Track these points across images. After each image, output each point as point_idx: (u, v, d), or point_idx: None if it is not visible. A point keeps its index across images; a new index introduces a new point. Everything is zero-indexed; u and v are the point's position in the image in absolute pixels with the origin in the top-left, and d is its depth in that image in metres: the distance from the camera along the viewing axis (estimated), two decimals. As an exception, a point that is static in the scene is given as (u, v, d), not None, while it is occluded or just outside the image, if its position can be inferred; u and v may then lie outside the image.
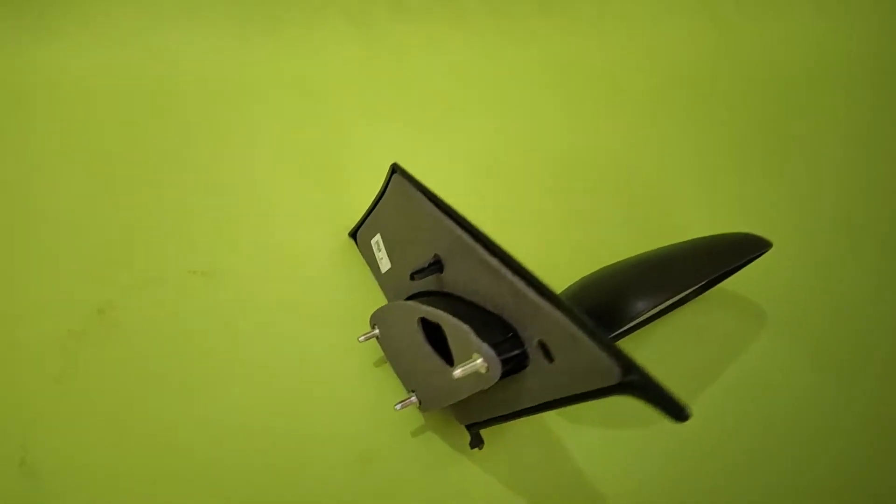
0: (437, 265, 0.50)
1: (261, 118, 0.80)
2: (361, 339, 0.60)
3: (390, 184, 0.56)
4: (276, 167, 0.77)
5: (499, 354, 0.43)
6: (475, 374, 0.44)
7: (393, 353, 0.59)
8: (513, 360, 0.44)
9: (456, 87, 0.92)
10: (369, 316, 0.60)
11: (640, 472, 0.64)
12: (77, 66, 0.78)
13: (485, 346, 0.43)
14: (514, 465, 0.61)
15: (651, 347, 0.71)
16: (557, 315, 0.40)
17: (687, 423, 0.36)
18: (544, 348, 0.42)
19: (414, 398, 0.57)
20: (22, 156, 0.70)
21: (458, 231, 0.47)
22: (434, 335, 0.51)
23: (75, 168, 0.71)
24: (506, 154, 0.87)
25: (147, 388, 0.59)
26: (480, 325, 0.44)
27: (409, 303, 0.52)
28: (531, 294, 0.41)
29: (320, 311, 0.67)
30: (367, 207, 0.64)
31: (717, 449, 0.67)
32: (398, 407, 0.56)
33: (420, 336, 0.51)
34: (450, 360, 0.49)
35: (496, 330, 0.45)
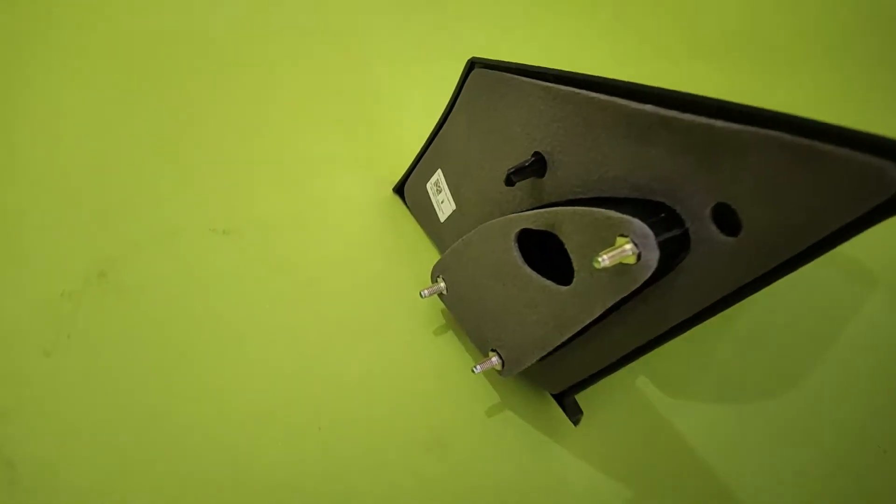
0: (539, 163, 0.40)
1: (286, 67, 0.71)
2: (425, 293, 0.49)
3: (464, 89, 0.46)
4: (304, 121, 0.67)
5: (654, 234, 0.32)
6: (613, 278, 0.34)
7: (465, 307, 0.48)
8: (671, 243, 0.33)
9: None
10: (428, 272, 0.50)
11: (755, 454, 0.53)
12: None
13: (635, 222, 0.31)
14: (611, 447, 0.50)
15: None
16: (773, 135, 0.28)
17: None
18: (725, 214, 0.31)
19: (495, 359, 0.46)
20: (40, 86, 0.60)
21: (585, 94, 0.36)
22: (535, 255, 0.40)
23: (86, 107, 0.61)
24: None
25: (157, 362, 0.47)
26: (615, 207, 0.34)
27: (501, 219, 0.41)
28: (720, 126, 0.30)
29: (366, 270, 0.56)
30: (410, 161, 0.55)
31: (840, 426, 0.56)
32: (477, 369, 0.45)
33: (515, 258, 0.41)
34: (563, 279, 0.38)
35: (641, 211, 0.33)
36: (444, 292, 0.49)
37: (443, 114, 0.51)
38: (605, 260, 0.31)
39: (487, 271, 0.44)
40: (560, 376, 0.45)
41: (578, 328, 0.38)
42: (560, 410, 0.48)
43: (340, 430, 0.47)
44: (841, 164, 0.26)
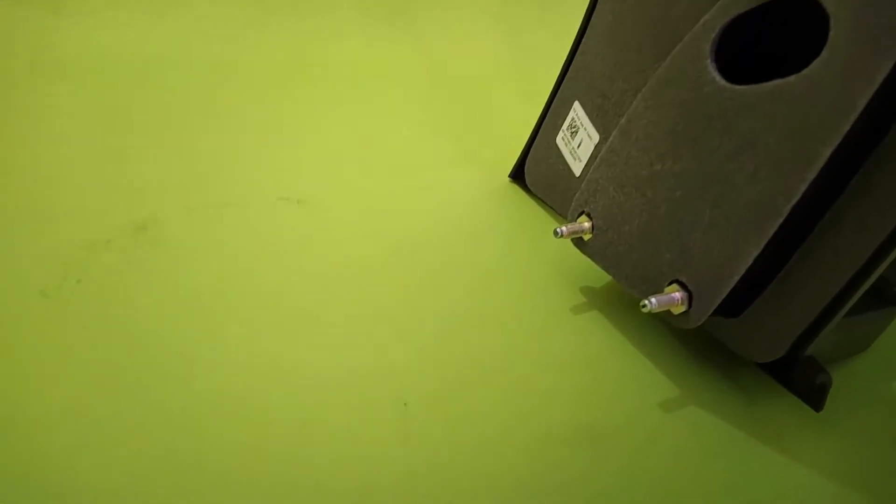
0: None
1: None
2: (562, 230, 0.35)
3: None
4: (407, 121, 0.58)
5: None
6: None
7: (621, 241, 0.33)
8: None
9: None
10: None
11: None
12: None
13: None
14: (860, 464, 0.30)
15: None
16: None
17: None
18: None
19: (677, 294, 0.29)
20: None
21: None
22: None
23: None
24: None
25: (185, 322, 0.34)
26: None
27: (683, 42, 0.29)
28: None
29: (483, 250, 0.42)
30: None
31: None
32: (652, 302, 0.29)
33: (712, 79, 0.27)
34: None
35: None
36: (588, 234, 0.35)
37: (573, 43, 0.41)
38: None
39: (661, 145, 0.30)
40: (780, 318, 0.28)
41: (849, 120, 0.23)
42: (786, 400, 0.30)
43: (432, 409, 0.30)
44: None
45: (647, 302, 0.29)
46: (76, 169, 0.45)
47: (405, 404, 0.30)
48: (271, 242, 0.41)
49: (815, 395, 0.29)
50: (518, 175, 0.48)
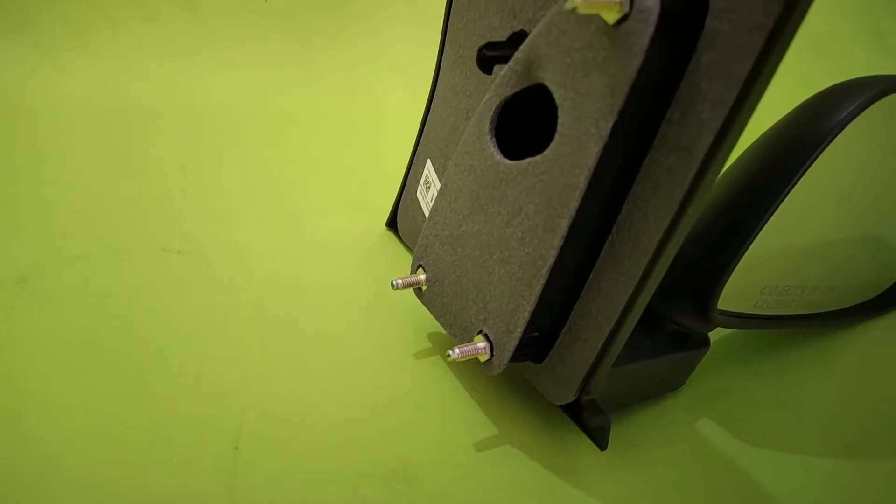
0: (519, 36, 0.31)
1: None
2: (398, 283, 0.38)
3: (451, 15, 0.39)
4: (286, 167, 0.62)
5: None
6: (606, 70, 0.24)
7: (446, 293, 0.36)
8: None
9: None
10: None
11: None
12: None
13: None
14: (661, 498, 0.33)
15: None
16: None
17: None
18: None
19: (481, 344, 0.33)
20: None
21: None
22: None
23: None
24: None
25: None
26: None
27: (471, 121, 0.32)
28: None
29: (347, 293, 0.45)
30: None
31: None
32: (455, 352, 0.32)
33: (491, 154, 0.31)
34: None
35: None
36: (424, 286, 0.38)
37: (426, 104, 0.44)
38: None
39: (465, 208, 0.33)
40: (567, 364, 0.32)
41: (574, 199, 0.26)
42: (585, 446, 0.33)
43: (263, 450, 0.33)
44: None
45: (450, 352, 0.32)
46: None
47: (236, 448, 0.33)
48: (147, 293, 0.43)
49: (597, 436, 0.32)
50: (392, 223, 0.52)
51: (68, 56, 0.72)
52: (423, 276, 0.38)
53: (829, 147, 0.30)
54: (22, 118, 0.64)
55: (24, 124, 0.64)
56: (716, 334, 0.38)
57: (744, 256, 0.32)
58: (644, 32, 0.22)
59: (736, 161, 0.34)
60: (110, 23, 0.74)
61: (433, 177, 0.44)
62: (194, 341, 0.39)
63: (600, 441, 0.32)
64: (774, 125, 0.33)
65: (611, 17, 0.22)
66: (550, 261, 0.28)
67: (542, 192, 0.28)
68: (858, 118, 0.30)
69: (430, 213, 0.37)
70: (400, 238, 0.51)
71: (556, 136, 0.27)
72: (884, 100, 0.31)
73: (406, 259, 0.49)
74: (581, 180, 0.26)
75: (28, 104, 0.67)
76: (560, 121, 0.27)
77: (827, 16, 0.95)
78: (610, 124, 0.24)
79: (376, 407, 0.37)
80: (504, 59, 0.31)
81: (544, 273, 0.29)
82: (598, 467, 0.34)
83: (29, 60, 0.70)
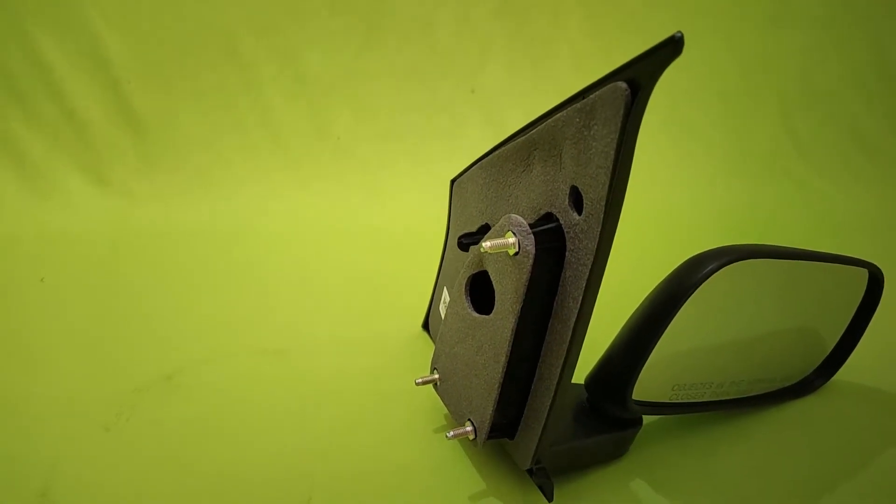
0: (485, 229, 0.47)
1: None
2: (419, 381, 0.54)
3: (451, 205, 0.57)
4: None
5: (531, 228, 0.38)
6: (511, 278, 0.39)
7: (451, 389, 0.52)
8: (546, 234, 0.38)
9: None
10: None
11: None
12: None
13: (513, 216, 0.38)
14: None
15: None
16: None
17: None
18: (577, 196, 0.37)
19: (469, 427, 0.48)
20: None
21: (496, 152, 0.45)
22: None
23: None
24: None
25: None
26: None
27: (457, 281, 0.49)
28: (557, 116, 0.39)
29: (390, 391, 0.62)
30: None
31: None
32: (450, 434, 0.48)
33: (466, 307, 0.47)
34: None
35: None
36: (438, 383, 0.54)
37: (445, 237, 0.61)
38: (487, 245, 0.38)
39: (457, 336, 0.50)
40: (525, 441, 0.47)
41: (506, 347, 0.42)
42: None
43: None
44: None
45: (447, 433, 0.48)
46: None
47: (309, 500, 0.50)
48: (253, 386, 0.62)
49: (544, 490, 0.47)
50: (426, 326, 0.69)
51: (188, 191, 0.95)
52: (436, 376, 0.55)
53: (694, 295, 0.45)
54: (162, 242, 0.87)
55: (158, 247, 0.86)
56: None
57: (646, 363, 0.47)
58: (528, 262, 0.38)
59: (644, 298, 0.49)
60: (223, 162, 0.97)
61: (448, 299, 0.60)
62: (281, 421, 0.57)
63: (547, 495, 0.47)
64: (666, 277, 0.48)
65: (511, 252, 0.39)
66: (500, 379, 0.44)
67: (491, 338, 0.44)
68: (713, 277, 0.45)
69: (440, 332, 0.54)
70: (431, 337, 0.68)
71: (495, 306, 0.43)
72: (736, 264, 0.45)
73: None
74: (508, 335, 0.42)
75: (162, 231, 0.89)
76: (496, 297, 0.43)
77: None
78: (518, 308, 0.41)
79: (399, 474, 0.53)
80: (475, 242, 0.48)
81: (496, 387, 0.45)
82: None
83: (162, 196, 0.94)
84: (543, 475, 0.47)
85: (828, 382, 0.60)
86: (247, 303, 0.76)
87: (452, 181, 0.57)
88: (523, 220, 0.38)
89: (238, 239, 0.88)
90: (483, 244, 0.38)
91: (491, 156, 0.47)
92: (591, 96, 0.35)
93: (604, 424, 0.51)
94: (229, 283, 0.79)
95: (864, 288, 0.55)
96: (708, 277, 0.45)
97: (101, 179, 0.96)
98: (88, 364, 0.65)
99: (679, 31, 0.28)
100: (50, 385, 0.62)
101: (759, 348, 0.54)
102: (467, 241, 0.48)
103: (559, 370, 0.42)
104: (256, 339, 0.68)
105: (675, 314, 0.45)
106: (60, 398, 0.60)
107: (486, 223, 0.49)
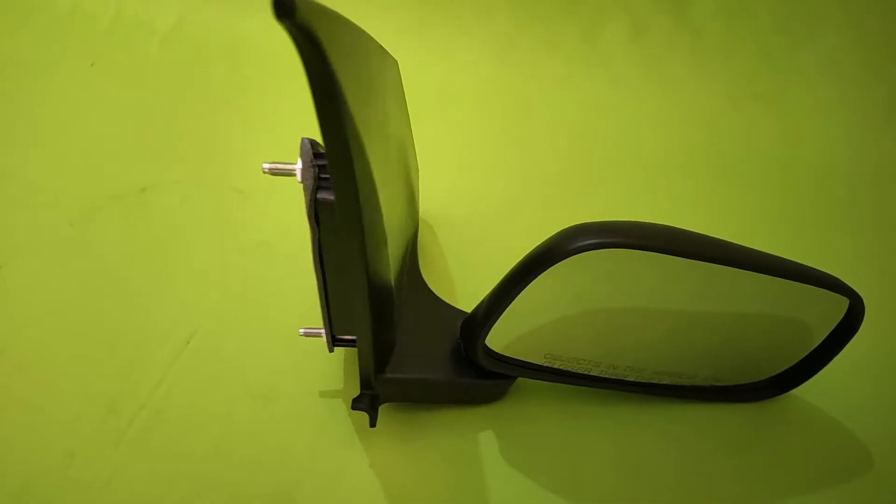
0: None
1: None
2: (301, 332, 0.49)
3: None
4: None
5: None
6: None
7: None
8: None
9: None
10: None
11: None
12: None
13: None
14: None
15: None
16: None
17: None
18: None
19: (322, 330, 0.47)
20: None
21: None
22: None
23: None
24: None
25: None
26: None
27: None
28: None
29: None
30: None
31: None
32: (301, 332, 0.47)
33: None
34: None
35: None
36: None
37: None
38: (266, 167, 0.38)
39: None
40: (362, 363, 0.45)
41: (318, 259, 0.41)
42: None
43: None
44: None
45: (300, 331, 0.47)
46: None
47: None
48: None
49: (371, 416, 0.46)
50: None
51: None
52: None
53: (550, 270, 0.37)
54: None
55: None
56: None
57: (518, 324, 0.42)
58: (309, 187, 0.37)
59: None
60: None
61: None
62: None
63: (371, 420, 0.46)
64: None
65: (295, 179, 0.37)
66: (320, 286, 0.42)
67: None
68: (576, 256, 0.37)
69: None
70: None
71: None
72: (601, 251, 0.37)
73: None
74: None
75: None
76: None
77: None
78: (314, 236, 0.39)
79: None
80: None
81: (321, 294, 0.43)
82: (381, 443, 0.48)
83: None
84: (368, 402, 0.46)
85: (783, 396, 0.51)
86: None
87: None
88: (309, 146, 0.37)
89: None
90: (263, 166, 0.38)
91: None
92: None
93: (469, 368, 0.47)
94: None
95: (841, 317, 0.45)
96: (569, 256, 0.37)
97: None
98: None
99: None
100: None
101: (678, 343, 0.46)
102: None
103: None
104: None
105: (530, 280, 0.39)
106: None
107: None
